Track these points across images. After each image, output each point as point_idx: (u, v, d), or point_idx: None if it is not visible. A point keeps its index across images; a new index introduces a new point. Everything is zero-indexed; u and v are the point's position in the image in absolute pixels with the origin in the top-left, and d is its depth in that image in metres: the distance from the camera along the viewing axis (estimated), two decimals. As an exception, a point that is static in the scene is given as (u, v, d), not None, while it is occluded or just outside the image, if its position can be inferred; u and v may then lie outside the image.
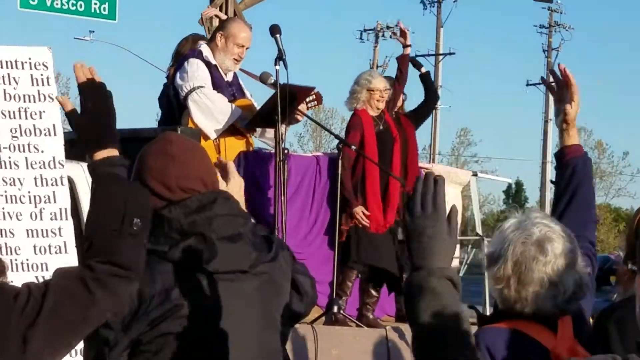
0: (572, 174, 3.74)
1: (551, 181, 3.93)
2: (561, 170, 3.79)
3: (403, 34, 9.20)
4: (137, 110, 73.31)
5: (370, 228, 8.11)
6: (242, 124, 7.63)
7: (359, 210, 8.10)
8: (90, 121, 2.68)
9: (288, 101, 7.20)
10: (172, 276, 2.98)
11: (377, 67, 50.52)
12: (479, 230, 11.77)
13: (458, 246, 10.67)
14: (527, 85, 54.11)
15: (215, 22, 10.62)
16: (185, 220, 3.03)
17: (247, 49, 7.88)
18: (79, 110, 2.73)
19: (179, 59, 7.89)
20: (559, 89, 3.91)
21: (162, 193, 3.08)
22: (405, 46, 9.02)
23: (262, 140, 8.03)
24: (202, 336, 2.98)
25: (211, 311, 2.99)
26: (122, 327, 2.93)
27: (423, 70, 9.17)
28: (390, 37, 50.59)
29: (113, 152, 2.67)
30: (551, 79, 3.96)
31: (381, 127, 8.38)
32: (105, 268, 2.52)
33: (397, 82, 8.88)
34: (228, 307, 3.02)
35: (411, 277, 2.43)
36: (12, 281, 5.47)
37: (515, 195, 66.88)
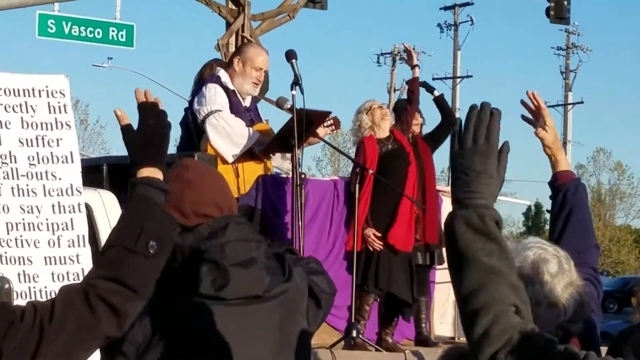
0: (564, 200, 3.70)
1: (546, 210, 3.89)
2: (554, 196, 3.76)
3: (409, 54, 9.20)
4: (155, 136, 73.40)
5: (381, 249, 8.11)
6: (258, 149, 7.64)
7: (369, 232, 8.10)
8: (144, 137, 2.68)
9: (305, 126, 7.21)
10: (186, 304, 2.97)
11: (395, 90, 50.59)
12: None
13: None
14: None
15: (232, 48, 10.67)
16: (197, 247, 3.03)
17: (265, 72, 7.90)
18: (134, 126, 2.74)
19: (199, 85, 7.92)
20: (535, 118, 3.85)
21: (177, 219, 3.08)
22: (412, 67, 9.01)
23: (276, 166, 8.04)
24: None
25: (226, 338, 2.98)
26: (136, 355, 2.93)
27: (436, 93, 9.16)
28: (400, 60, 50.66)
29: (157, 172, 2.66)
30: (526, 113, 3.88)
31: (389, 147, 8.37)
32: (108, 286, 2.51)
33: (409, 104, 8.88)
34: (243, 333, 3.01)
35: (454, 213, 2.31)
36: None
37: (534, 217, 66.67)
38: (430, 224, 8.55)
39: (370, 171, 8.01)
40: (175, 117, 8.13)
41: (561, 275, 3.08)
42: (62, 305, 2.49)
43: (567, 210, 3.66)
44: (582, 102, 53.92)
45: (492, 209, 2.34)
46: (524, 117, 3.96)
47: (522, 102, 3.86)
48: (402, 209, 8.27)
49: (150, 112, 2.73)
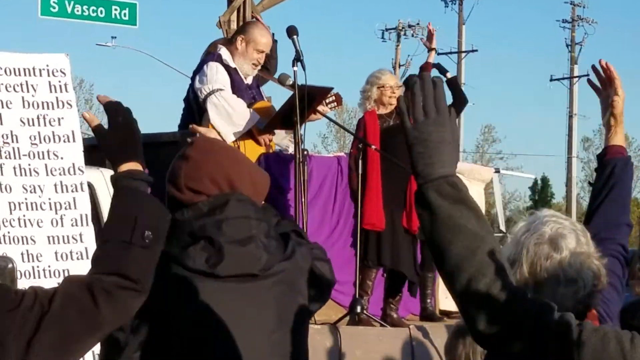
0: (610, 174, 3.68)
1: (589, 182, 3.87)
2: (600, 170, 3.73)
3: (430, 36, 9.16)
4: (159, 115, 73.54)
5: (376, 226, 8.08)
6: (260, 127, 7.63)
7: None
8: (117, 135, 2.72)
9: (307, 102, 7.20)
10: (181, 279, 2.98)
11: (400, 66, 50.49)
12: (502, 227, 11.73)
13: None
14: (551, 80, 53.86)
15: (234, 26, 10.64)
16: (195, 223, 3.03)
17: (266, 54, 7.89)
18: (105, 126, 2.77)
19: (199, 63, 7.90)
20: (603, 86, 3.81)
21: (172, 194, 3.09)
22: (430, 49, 8.97)
23: (277, 143, 8.03)
24: (210, 340, 2.98)
25: (220, 315, 2.98)
26: (132, 327, 2.95)
27: (449, 75, 9.11)
28: (413, 35, 50.53)
29: (136, 166, 2.69)
30: (595, 80, 3.83)
31: (391, 123, 8.33)
32: (113, 280, 2.51)
33: None
34: (237, 310, 3.01)
35: (422, 187, 2.33)
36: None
37: (541, 192, 66.65)
38: None
39: (374, 147, 7.99)
40: (179, 95, 8.13)
41: (579, 250, 3.08)
42: (65, 295, 2.49)
43: (611, 185, 3.64)
44: (587, 75, 53.49)
45: (457, 175, 2.36)
46: (590, 82, 3.93)
47: (593, 68, 3.83)
48: (412, 189, 8.24)
49: (116, 111, 2.77)
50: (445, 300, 9.84)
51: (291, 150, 8.05)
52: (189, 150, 3.17)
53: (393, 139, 8.22)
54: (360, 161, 7.97)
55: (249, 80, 7.86)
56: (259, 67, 7.92)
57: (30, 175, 5.68)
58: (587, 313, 3.11)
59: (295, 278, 3.12)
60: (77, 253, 5.67)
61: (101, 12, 18.80)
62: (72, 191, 5.75)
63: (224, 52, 7.77)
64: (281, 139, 8.01)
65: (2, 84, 5.75)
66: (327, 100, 7.83)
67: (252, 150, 7.70)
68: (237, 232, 3.03)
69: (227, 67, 7.69)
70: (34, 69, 5.87)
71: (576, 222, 3.16)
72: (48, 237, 5.62)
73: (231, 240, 3.01)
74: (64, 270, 5.62)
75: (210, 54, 7.85)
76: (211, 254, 3.00)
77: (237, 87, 7.69)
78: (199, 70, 7.73)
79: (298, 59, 7.19)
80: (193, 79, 7.80)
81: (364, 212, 8.03)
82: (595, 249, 3.12)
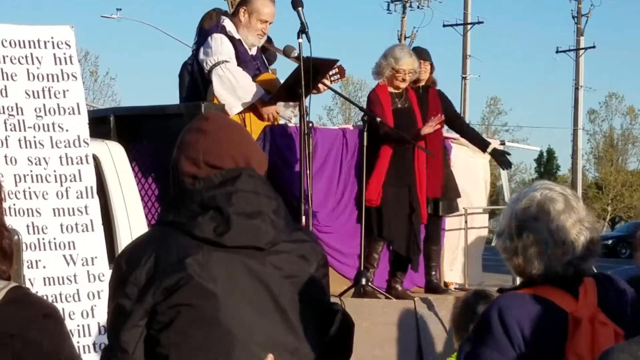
0: None
1: None
2: None
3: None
4: (165, 87, 73.46)
5: (372, 203, 8.07)
6: (264, 99, 7.62)
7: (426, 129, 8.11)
8: None
9: (312, 74, 7.18)
10: (187, 248, 3.00)
11: (405, 38, 50.32)
12: (507, 199, 11.71)
13: (487, 216, 10.64)
14: (557, 52, 53.68)
15: (239, -2, 10.60)
16: (206, 194, 3.05)
17: (270, 24, 7.85)
18: None
19: (203, 35, 7.87)
20: None
21: (189, 168, 3.10)
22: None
23: (280, 114, 8.01)
24: (211, 310, 2.99)
25: (223, 286, 3.00)
26: (138, 295, 2.96)
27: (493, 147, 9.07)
28: (419, 7, 50.27)
29: None
30: None
31: (399, 105, 8.29)
32: None
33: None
34: (241, 282, 3.02)
35: None
36: (39, 260, 5.51)
37: (546, 164, 66.59)
38: (432, 177, 8.51)
39: (378, 119, 7.97)
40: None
41: (569, 212, 3.10)
42: None
43: None
44: (594, 47, 53.57)
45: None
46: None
47: None
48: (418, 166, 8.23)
49: None
50: (449, 273, 9.86)
51: (295, 121, 8.04)
52: (205, 124, 3.18)
53: (401, 120, 8.19)
54: (365, 133, 7.95)
55: (253, 52, 7.84)
56: (264, 37, 7.89)
57: (36, 147, 5.67)
58: (582, 278, 3.12)
59: (301, 261, 3.13)
60: (82, 225, 5.68)
61: (106, -16, 18.88)
62: (77, 163, 5.75)
63: (227, 23, 7.74)
64: (284, 111, 7.99)
65: (6, 56, 5.74)
66: (331, 73, 7.80)
67: (256, 123, 7.69)
68: (246, 205, 3.05)
69: (231, 39, 7.66)
70: (38, 41, 5.85)
71: (568, 188, 3.20)
72: (53, 209, 5.62)
73: (240, 212, 3.04)
74: (69, 242, 5.63)
75: (215, 25, 7.82)
76: (219, 223, 3.01)
77: (242, 58, 7.67)
78: (203, 42, 7.71)
79: (303, 30, 7.16)
80: (197, 50, 7.77)
81: (366, 187, 8.02)
82: (587, 214, 3.14)
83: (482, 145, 9.03)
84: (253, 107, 7.61)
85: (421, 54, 8.80)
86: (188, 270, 2.97)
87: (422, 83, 8.75)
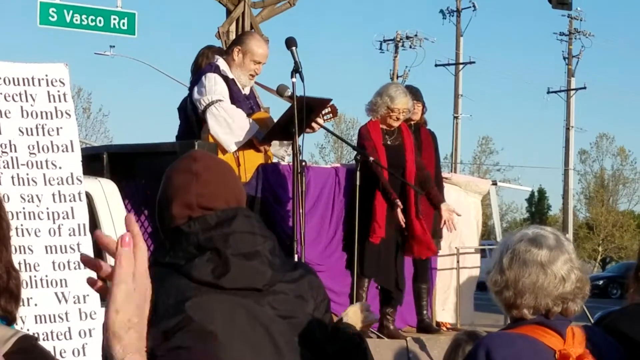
0: None
1: None
2: None
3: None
4: (158, 124, 73.53)
5: (375, 240, 8.07)
6: (259, 137, 7.64)
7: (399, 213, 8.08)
8: None
9: (305, 113, 7.20)
10: (186, 290, 2.99)
11: (397, 77, 50.54)
12: (499, 239, 11.73)
13: (479, 255, 10.64)
14: (548, 92, 53.98)
15: (233, 37, 10.66)
16: (202, 235, 3.04)
17: (263, 64, 7.89)
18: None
19: (197, 74, 7.91)
20: None
21: (182, 210, 3.09)
22: None
23: (273, 153, 8.03)
24: (211, 353, 2.98)
25: (222, 328, 2.99)
26: None
27: None
28: (411, 47, 50.49)
29: None
30: None
31: (389, 142, 8.30)
32: None
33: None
34: (240, 324, 3.02)
35: None
36: (30, 297, 5.48)
37: (538, 204, 66.67)
38: (424, 215, 8.52)
39: (371, 158, 7.99)
40: (178, 104, 8.14)
41: (560, 250, 3.13)
42: None
43: None
44: (584, 88, 53.89)
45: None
46: None
47: None
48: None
49: None
50: (441, 312, 9.85)
51: (288, 160, 8.06)
52: (194, 165, 3.16)
53: (391, 157, 8.20)
54: (358, 173, 7.96)
55: (246, 91, 7.87)
56: (255, 77, 7.92)
57: (28, 184, 5.66)
58: (573, 327, 3.13)
59: (299, 301, 3.12)
60: (74, 263, 5.66)
61: (100, 22, 18.88)
62: (70, 201, 5.74)
63: (221, 62, 7.77)
64: (277, 150, 8.01)
65: (1, 93, 5.74)
66: (323, 112, 7.83)
67: (250, 161, 7.71)
68: (243, 246, 3.04)
69: (225, 78, 7.69)
70: (33, 78, 5.86)
71: (559, 231, 3.25)
72: (45, 246, 5.61)
73: (237, 253, 3.03)
74: (61, 280, 5.61)
75: (208, 65, 7.86)
76: (217, 265, 3.00)
77: (235, 97, 7.69)
78: (196, 81, 7.73)
79: (297, 70, 7.19)
80: (191, 90, 7.80)
81: (373, 225, 8.00)
82: (577, 258, 3.18)
83: (433, 202, 8.66)
84: (248, 145, 7.63)
85: (414, 94, 8.85)
86: (187, 313, 2.95)
87: (414, 122, 8.80)
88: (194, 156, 3.22)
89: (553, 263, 3.11)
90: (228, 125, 7.50)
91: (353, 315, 3.54)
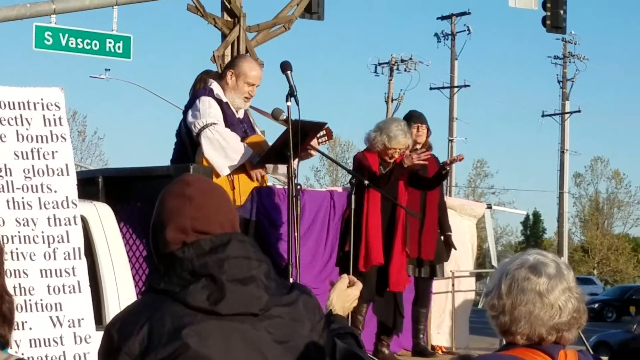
0: None
1: None
2: None
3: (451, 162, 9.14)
4: (153, 147, 73.58)
5: (371, 263, 8.05)
6: (253, 161, 7.64)
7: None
8: None
9: (300, 137, 7.21)
10: (182, 317, 2.97)
11: (392, 100, 50.60)
12: (494, 262, 11.74)
13: (474, 279, 10.65)
14: (543, 116, 54.09)
15: (227, 60, 10.67)
16: (197, 261, 3.02)
17: (257, 86, 7.90)
18: None
19: (191, 98, 7.92)
20: None
21: (176, 235, 3.07)
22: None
23: (274, 176, 8.04)
24: None
25: (218, 355, 2.97)
26: None
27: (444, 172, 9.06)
28: (406, 70, 50.61)
29: None
30: None
31: (384, 172, 8.30)
32: None
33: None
34: (237, 350, 3.00)
35: None
36: (25, 321, 5.48)
37: (532, 227, 66.68)
38: (427, 240, 8.53)
39: (366, 182, 7.99)
40: (173, 127, 8.15)
41: (559, 279, 3.12)
42: None
43: None
44: (579, 111, 54.03)
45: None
46: None
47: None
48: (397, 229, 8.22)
49: None
50: (437, 336, 9.84)
51: (284, 183, 8.07)
52: (187, 189, 3.14)
53: (387, 190, 8.17)
54: (354, 196, 7.97)
55: (240, 114, 7.88)
56: (251, 100, 7.94)
57: (24, 208, 5.67)
58: (566, 350, 3.14)
59: (295, 325, 3.11)
60: (69, 286, 5.65)
61: (95, 45, 18.90)
62: (65, 224, 5.74)
63: (215, 86, 7.79)
64: (275, 173, 8.01)
65: (-4, 117, 5.75)
66: (318, 135, 7.84)
67: (245, 184, 7.71)
68: (238, 271, 3.03)
69: (219, 102, 7.70)
70: (28, 102, 5.87)
71: (559, 258, 3.24)
72: (40, 270, 5.60)
73: (232, 278, 3.01)
74: (56, 304, 5.60)
75: (202, 89, 7.87)
76: (213, 291, 2.99)
77: (229, 121, 7.70)
78: (191, 104, 7.75)
79: (292, 94, 7.20)
80: (185, 113, 7.81)
81: (368, 251, 7.99)
82: (576, 286, 3.17)
83: (438, 173, 8.74)
84: (242, 168, 7.63)
85: (419, 118, 8.87)
86: (184, 340, 2.94)
87: (419, 146, 8.78)
88: (186, 180, 3.20)
89: (551, 292, 3.10)
90: (222, 149, 7.51)
91: (338, 300, 3.53)
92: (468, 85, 50.96)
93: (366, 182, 7.99)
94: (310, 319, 3.15)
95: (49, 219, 5.71)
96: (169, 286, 3.00)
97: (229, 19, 13.37)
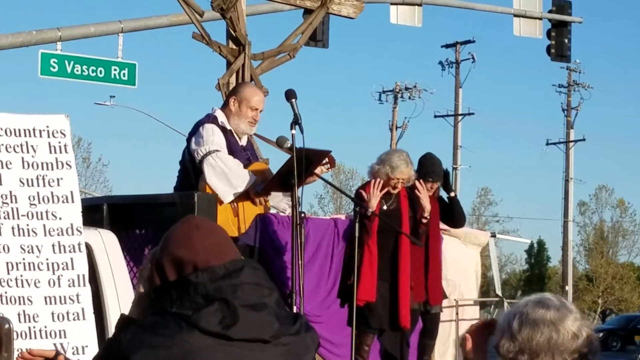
0: None
1: None
2: None
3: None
4: (157, 174, 73.62)
5: (367, 295, 8.02)
6: (257, 189, 7.66)
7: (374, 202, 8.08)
8: None
9: (304, 165, 7.23)
10: (194, 340, 2.99)
11: (397, 128, 50.65)
12: (498, 291, 11.75)
13: (478, 307, 10.64)
14: (547, 144, 54.15)
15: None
16: (211, 285, 3.05)
17: (261, 111, 7.93)
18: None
19: (194, 125, 7.94)
20: None
21: (186, 256, 3.10)
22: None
23: (273, 205, 8.04)
24: None
25: None
26: None
27: (452, 194, 9.11)
28: (410, 98, 50.68)
29: None
30: None
31: (385, 207, 8.27)
32: None
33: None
34: None
35: None
36: (28, 349, 5.49)
37: (537, 255, 66.54)
38: (433, 286, 8.51)
39: (370, 210, 7.99)
40: (177, 155, 8.16)
41: (568, 310, 3.12)
42: None
43: None
44: (584, 140, 54.03)
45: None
46: None
47: None
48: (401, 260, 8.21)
49: None
50: (441, 365, 9.82)
51: (288, 212, 8.07)
52: (193, 220, 3.20)
53: (386, 222, 8.14)
54: (357, 224, 7.96)
55: (243, 142, 7.90)
56: (256, 125, 7.96)
57: (29, 235, 5.69)
58: None
59: (302, 354, 3.14)
60: (73, 314, 5.66)
61: (100, 72, 19.00)
62: (70, 252, 5.75)
63: (219, 114, 7.83)
64: (278, 202, 8.02)
65: (2, 144, 5.78)
66: (322, 163, 7.86)
67: (249, 211, 7.72)
68: (251, 297, 3.06)
69: (223, 129, 7.73)
70: (34, 129, 5.90)
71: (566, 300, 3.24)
72: (45, 297, 5.61)
73: (245, 304, 3.04)
74: (60, 331, 5.61)
75: (206, 116, 7.90)
76: (225, 315, 3.01)
77: (233, 148, 7.73)
78: (194, 132, 7.78)
79: (296, 122, 7.22)
80: (188, 141, 7.83)
81: (358, 283, 7.98)
82: (583, 319, 3.16)
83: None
84: (245, 196, 7.65)
85: (438, 176, 8.86)
86: None
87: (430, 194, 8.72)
88: (188, 219, 3.24)
89: (563, 321, 3.08)
90: (225, 176, 7.52)
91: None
92: (472, 113, 51.02)
93: (370, 210, 7.98)
94: (310, 352, 3.19)
95: (53, 246, 5.73)
96: (181, 309, 3.03)
97: (234, 47, 13.39)
